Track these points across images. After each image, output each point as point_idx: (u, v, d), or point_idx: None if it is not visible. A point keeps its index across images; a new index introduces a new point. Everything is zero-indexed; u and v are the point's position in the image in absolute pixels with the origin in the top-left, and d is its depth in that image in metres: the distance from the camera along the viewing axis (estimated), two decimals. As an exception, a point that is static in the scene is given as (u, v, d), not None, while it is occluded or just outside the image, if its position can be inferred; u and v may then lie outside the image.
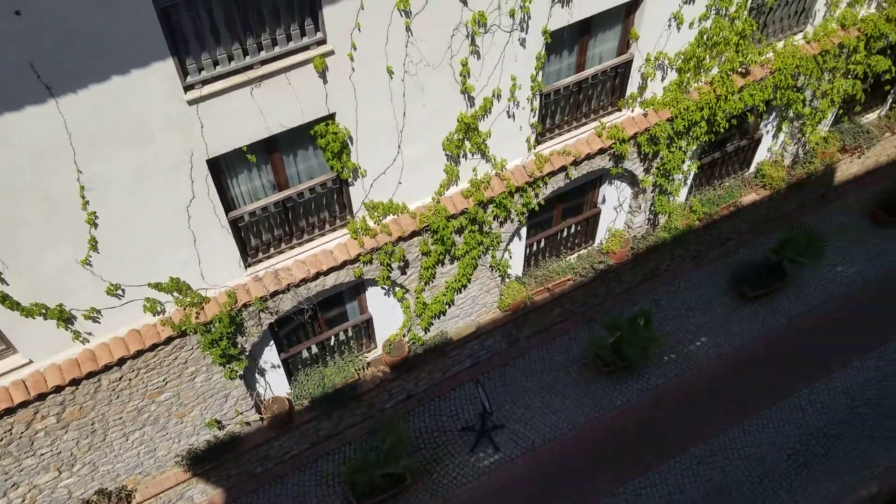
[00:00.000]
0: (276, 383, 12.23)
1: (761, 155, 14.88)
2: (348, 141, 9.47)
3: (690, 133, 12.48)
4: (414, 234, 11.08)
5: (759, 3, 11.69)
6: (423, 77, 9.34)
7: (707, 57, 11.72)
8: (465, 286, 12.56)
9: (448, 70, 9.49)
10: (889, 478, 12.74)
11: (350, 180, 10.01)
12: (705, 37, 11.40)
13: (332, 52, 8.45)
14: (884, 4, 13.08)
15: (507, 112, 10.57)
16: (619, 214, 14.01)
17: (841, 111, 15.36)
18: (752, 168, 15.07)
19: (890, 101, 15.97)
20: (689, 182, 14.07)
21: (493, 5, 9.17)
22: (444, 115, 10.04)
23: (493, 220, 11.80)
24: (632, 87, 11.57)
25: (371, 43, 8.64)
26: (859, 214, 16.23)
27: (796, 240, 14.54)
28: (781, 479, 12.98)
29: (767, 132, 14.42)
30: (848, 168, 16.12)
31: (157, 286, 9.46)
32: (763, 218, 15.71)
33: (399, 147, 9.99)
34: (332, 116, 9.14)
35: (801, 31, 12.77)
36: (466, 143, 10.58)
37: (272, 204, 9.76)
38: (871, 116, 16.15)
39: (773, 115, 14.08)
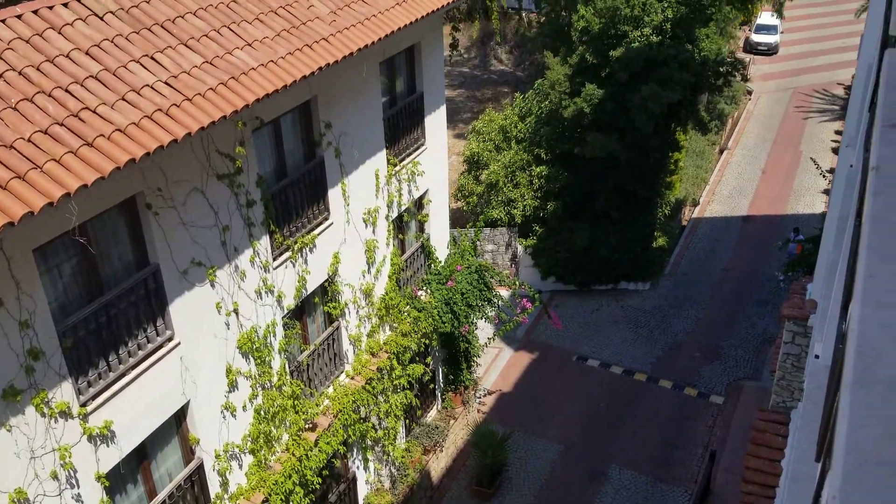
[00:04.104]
0: None
1: (364, 490, 15.23)
2: None
3: (290, 503, 12.26)
4: None
5: (296, 364, 12.57)
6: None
7: (272, 428, 11.97)
8: None
9: (-4, 569, 7.97)
10: None
11: None
12: (262, 412, 11.71)
13: None
14: (394, 325, 15.17)
15: (89, 578, 9.14)
16: None
17: (408, 420, 16.80)
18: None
19: (439, 395, 18.05)
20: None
21: (30, 477, 8.19)
22: None
23: None
24: (214, 487, 11.09)
25: None
26: (468, 498, 17.33)
27: (431, 550, 14.76)
28: None
29: (358, 467, 14.94)
30: (438, 463, 17.37)
31: None
32: (394, 544, 15.74)
33: None
34: None
35: (342, 372, 13.97)
36: None
37: None
38: (433, 413, 17.97)
39: (355, 450, 14.73)
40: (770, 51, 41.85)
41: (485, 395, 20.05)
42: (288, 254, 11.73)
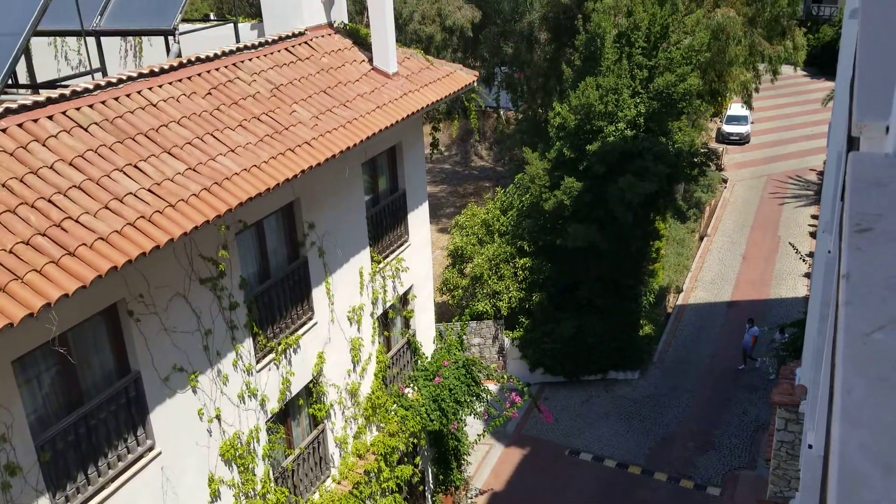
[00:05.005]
0: None
1: None
2: None
3: None
4: None
5: (281, 470, 12.22)
6: None
7: (257, 539, 11.53)
8: None
9: None
10: None
11: None
12: (247, 522, 11.30)
13: None
14: (381, 425, 14.87)
15: None
16: None
17: (397, 524, 16.25)
18: None
19: (429, 497, 17.54)
20: None
21: None
22: None
23: None
24: None
25: None
26: None
27: None
28: None
29: (347, 576, 14.33)
30: (430, 570, 16.72)
31: None
32: None
33: None
34: None
35: (328, 476, 13.58)
36: None
37: None
38: (423, 515, 17.43)
39: (344, 558, 14.17)
40: (742, 140, 43.09)
41: (476, 495, 19.50)
42: (271, 356, 11.59)
